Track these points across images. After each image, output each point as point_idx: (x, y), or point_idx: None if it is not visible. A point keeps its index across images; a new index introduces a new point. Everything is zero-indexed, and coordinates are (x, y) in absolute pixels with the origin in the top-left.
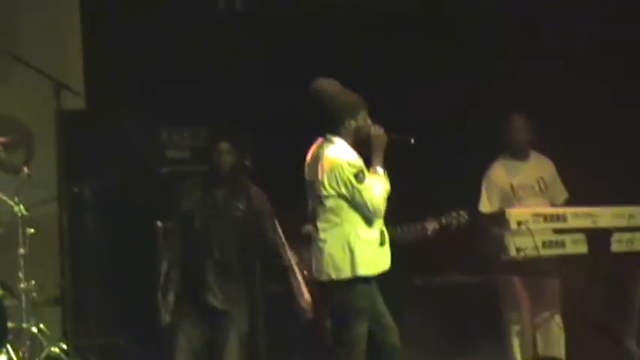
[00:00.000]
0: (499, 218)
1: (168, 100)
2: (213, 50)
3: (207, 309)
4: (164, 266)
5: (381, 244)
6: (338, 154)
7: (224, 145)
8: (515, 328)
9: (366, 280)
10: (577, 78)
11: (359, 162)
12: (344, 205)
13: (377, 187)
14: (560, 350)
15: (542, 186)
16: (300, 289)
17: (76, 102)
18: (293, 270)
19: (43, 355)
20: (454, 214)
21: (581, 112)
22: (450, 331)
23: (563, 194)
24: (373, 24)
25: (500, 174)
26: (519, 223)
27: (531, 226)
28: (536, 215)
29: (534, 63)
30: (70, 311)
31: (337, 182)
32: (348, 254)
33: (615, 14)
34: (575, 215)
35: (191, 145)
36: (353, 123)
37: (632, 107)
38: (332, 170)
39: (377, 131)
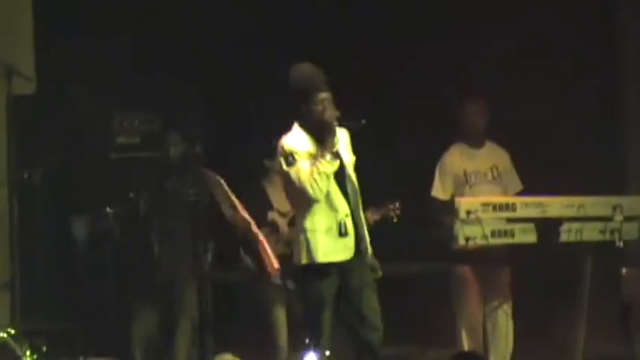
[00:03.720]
0: (449, 207)
1: (119, 86)
2: (166, 37)
3: (158, 290)
4: None
5: (340, 234)
6: (281, 141)
7: (173, 136)
8: (464, 318)
9: (322, 269)
10: (532, 67)
11: (294, 146)
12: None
13: (305, 168)
14: (508, 339)
15: (496, 174)
16: (269, 257)
17: (27, 87)
18: (262, 242)
19: None
20: (390, 206)
21: (533, 102)
22: (399, 319)
23: (517, 186)
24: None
25: (455, 159)
26: (469, 212)
27: (481, 215)
28: (485, 204)
29: (491, 50)
30: (19, 296)
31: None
32: (304, 241)
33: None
34: (525, 205)
35: (141, 131)
36: (304, 107)
37: (585, 99)
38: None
39: (328, 116)
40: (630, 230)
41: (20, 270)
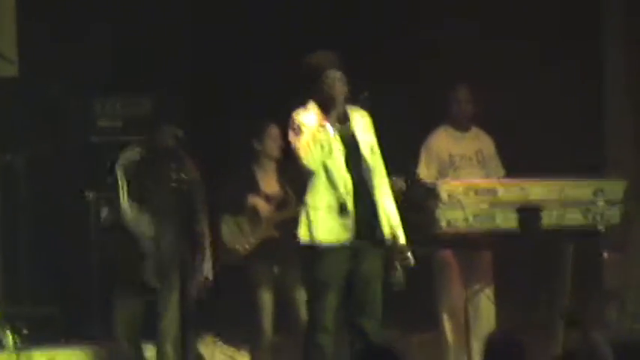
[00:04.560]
0: (430, 190)
1: (101, 69)
2: (149, 18)
3: (142, 276)
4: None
5: (341, 213)
6: (293, 114)
7: (166, 126)
8: (446, 302)
9: (326, 250)
10: (518, 53)
11: (303, 119)
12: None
13: (305, 137)
14: (489, 323)
15: (481, 159)
16: (206, 265)
17: (8, 69)
18: (205, 245)
19: None
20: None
21: (516, 85)
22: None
23: (499, 172)
24: None
25: (440, 142)
26: (450, 196)
27: (462, 198)
28: (467, 188)
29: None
30: (1, 280)
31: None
32: (305, 218)
33: None
34: (507, 189)
35: (123, 114)
36: (315, 86)
37: (568, 81)
38: None
39: (336, 92)
40: (612, 215)
41: (2, 254)
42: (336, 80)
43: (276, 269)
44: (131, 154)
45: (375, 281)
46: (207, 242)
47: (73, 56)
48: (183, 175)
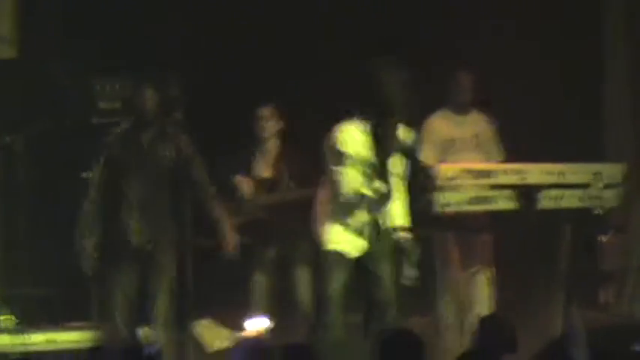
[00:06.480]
0: (429, 173)
1: (100, 50)
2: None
3: (135, 254)
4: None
5: (360, 234)
6: (340, 127)
7: (147, 90)
8: (445, 284)
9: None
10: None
11: (349, 142)
12: None
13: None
14: (487, 305)
15: (479, 142)
16: (229, 234)
17: (7, 51)
18: (222, 219)
19: None
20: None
21: (513, 69)
22: None
23: (499, 154)
24: None
25: (440, 125)
26: (448, 179)
27: (460, 181)
28: (465, 171)
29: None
30: (0, 262)
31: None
32: (323, 226)
33: None
34: (505, 171)
35: (123, 96)
36: (376, 100)
37: (568, 66)
38: None
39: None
40: (610, 197)
41: (1, 236)
42: (398, 93)
43: (270, 252)
44: (116, 133)
45: (386, 259)
46: (218, 212)
47: (72, 37)
48: (167, 153)
